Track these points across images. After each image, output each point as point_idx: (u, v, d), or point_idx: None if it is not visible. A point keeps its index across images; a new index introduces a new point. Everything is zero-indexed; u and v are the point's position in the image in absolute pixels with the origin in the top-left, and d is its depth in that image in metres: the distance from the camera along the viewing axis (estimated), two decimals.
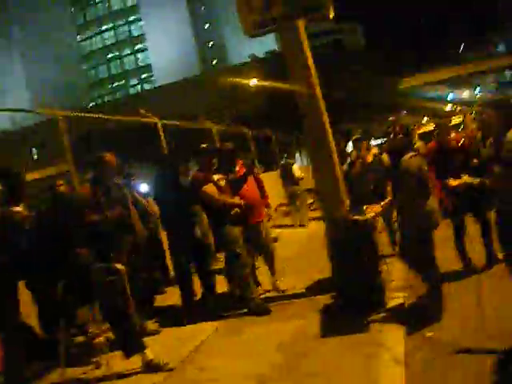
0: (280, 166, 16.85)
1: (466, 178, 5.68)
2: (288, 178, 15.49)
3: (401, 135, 6.07)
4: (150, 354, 5.58)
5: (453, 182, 6.13)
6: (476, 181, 5.28)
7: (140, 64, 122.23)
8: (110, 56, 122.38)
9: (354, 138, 9.46)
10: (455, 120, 13.68)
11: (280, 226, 15.00)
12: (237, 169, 7.81)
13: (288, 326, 6.28)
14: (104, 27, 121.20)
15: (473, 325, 5.55)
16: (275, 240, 8.16)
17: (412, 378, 4.60)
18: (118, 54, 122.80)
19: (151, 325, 7.12)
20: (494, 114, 4.56)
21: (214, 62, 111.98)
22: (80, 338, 6.77)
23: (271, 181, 15.21)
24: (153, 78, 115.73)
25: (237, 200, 7.37)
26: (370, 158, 9.39)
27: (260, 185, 8.19)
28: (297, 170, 15.38)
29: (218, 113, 35.17)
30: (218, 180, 7.42)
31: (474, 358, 4.82)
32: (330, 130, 7.17)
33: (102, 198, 6.10)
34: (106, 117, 12.52)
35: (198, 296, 7.93)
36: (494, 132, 4.66)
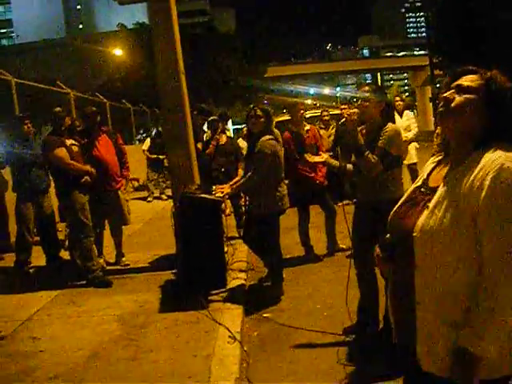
0: (154, 137, 16.65)
1: (326, 157, 5.82)
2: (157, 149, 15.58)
3: (262, 119, 6.11)
4: None
5: (311, 158, 6.26)
6: (336, 163, 5.42)
7: (0, 17, 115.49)
8: None
9: (210, 118, 9.51)
10: (311, 113, 14.11)
11: (134, 198, 14.91)
12: (98, 134, 7.65)
13: (128, 300, 6.21)
14: None
15: (307, 309, 5.83)
16: (129, 212, 8.05)
17: (247, 353, 4.74)
18: None
19: None
20: (375, 104, 4.65)
21: (81, 27, 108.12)
22: None
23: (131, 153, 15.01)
24: (13, 35, 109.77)
25: (88, 167, 7.17)
26: (223, 140, 9.51)
27: (122, 154, 8.08)
28: None
29: (77, 80, 33.94)
30: (70, 145, 7.19)
31: (306, 335, 5.11)
32: (188, 108, 7.17)
33: None
34: None
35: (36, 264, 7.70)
36: (371, 122, 4.75)
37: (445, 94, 2.13)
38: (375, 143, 4.64)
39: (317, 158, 6.19)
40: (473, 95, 2.06)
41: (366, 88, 4.75)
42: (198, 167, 7.16)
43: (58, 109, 7.43)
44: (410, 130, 10.44)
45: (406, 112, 10.82)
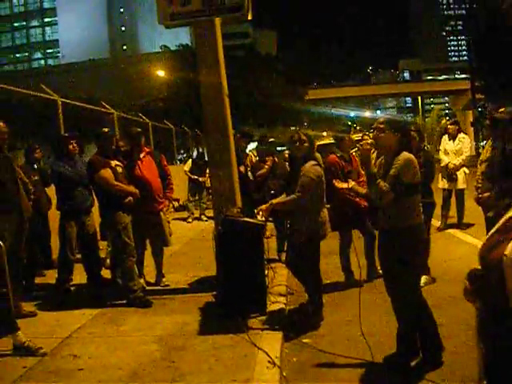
0: (195, 158, 16.87)
1: (353, 184, 5.87)
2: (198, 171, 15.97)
3: (306, 143, 6.12)
4: (22, 336, 5.38)
5: (339, 184, 6.30)
6: (362, 190, 5.46)
7: (47, 38, 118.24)
8: (16, 25, 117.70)
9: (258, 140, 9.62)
10: (355, 136, 14.07)
11: (174, 219, 14.98)
12: (142, 155, 7.76)
13: (168, 321, 6.23)
14: None
15: (347, 335, 5.76)
16: (170, 234, 8.12)
17: (286, 379, 4.70)
18: (25, 24, 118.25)
19: (28, 306, 6.87)
20: (390, 135, 4.72)
21: (125, 48, 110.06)
22: None
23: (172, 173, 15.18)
24: (58, 54, 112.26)
25: (132, 188, 7.26)
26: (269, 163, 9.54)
27: (166, 175, 8.17)
28: None
29: (120, 100, 34.46)
30: (115, 166, 7.29)
31: (345, 361, 5.05)
32: (231, 130, 7.22)
33: None
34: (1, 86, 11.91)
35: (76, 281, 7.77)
36: (386, 152, 4.81)
37: None
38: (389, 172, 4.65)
39: (344, 185, 6.22)
40: None
41: (381, 120, 4.83)
42: (240, 190, 7.19)
43: (105, 129, 7.55)
44: (461, 154, 10.32)
45: (460, 136, 10.70)
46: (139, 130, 8.05)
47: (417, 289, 4.84)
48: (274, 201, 6.33)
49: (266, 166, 9.36)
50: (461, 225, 10.88)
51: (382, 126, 4.73)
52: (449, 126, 11.17)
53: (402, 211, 4.67)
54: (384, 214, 4.78)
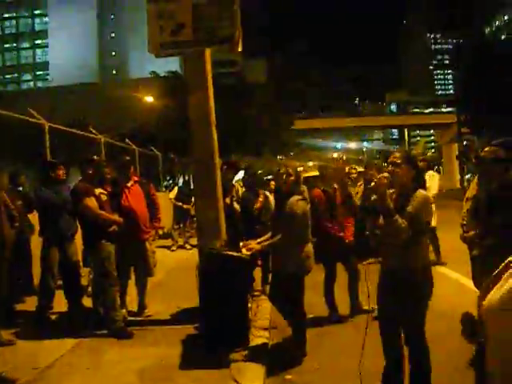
0: (182, 184, 16.85)
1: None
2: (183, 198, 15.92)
3: (292, 177, 6.13)
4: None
5: None
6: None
7: (38, 60, 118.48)
8: (7, 46, 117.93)
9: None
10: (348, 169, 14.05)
11: (158, 247, 14.84)
12: (130, 184, 7.73)
13: (149, 353, 6.15)
14: (6, 15, 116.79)
15: (330, 371, 5.69)
16: (155, 264, 8.07)
17: None
18: (15, 45, 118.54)
19: (6, 334, 6.77)
20: (406, 171, 4.65)
21: (114, 72, 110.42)
22: None
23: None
24: (48, 77, 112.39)
25: (116, 217, 7.22)
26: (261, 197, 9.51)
27: (154, 205, 8.14)
28: None
29: (108, 124, 34.38)
30: (99, 194, 7.23)
31: None
32: (219, 160, 7.21)
33: None
34: None
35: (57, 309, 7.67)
36: (401, 187, 4.73)
37: None
38: (404, 209, 4.58)
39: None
40: None
41: (398, 155, 4.73)
42: (225, 221, 7.15)
43: (94, 157, 7.50)
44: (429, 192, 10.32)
45: (430, 173, 10.70)
46: (128, 158, 8.03)
47: (424, 331, 4.74)
48: (262, 243, 6.31)
49: (261, 199, 9.32)
50: (439, 262, 10.82)
51: (398, 160, 4.66)
52: (418, 163, 11.13)
53: (417, 250, 4.60)
54: (394, 253, 4.65)
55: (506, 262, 2.26)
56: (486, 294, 2.14)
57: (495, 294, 1.98)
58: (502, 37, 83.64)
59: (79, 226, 7.63)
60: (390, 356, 4.81)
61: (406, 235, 4.46)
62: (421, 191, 4.65)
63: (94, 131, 14.83)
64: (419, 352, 4.69)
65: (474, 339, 2.28)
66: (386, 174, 4.61)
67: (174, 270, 11.84)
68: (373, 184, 4.71)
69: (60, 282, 8.01)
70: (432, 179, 10.53)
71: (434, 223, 10.26)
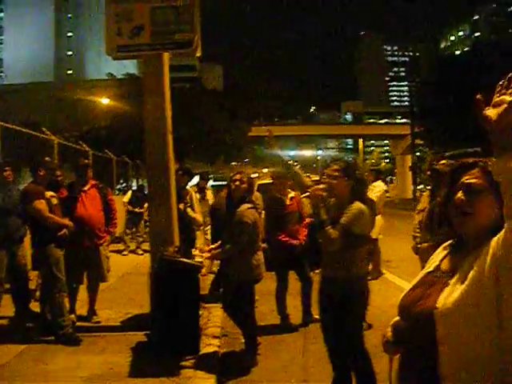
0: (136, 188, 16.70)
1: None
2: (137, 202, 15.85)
3: (244, 185, 6.10)
4: None
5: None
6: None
7: None
8: None
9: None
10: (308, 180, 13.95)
11: (110, 251, 14.63)
12: (87, 188, 7.61)
13: (98, 361, 6.01)
14: None
15: (281, 380, 5.68)
16: (108, 270, 7.95)
17: None
18: None
19: None
20: (343, 183, 4.65)
21: (70, 72, 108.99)
22: None
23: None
24: (1, 74, 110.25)
25: (66, 221, 7.09)
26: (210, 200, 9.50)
27: (111, 210, 8.02)
28: None
29: (62, 125, 33.82)
30: (50, 197, 7.09)
31: None
32: (174, 166, 7.15)
33: None
34: None
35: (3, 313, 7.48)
36: (337, 198, 4.74)
37: (457, 197, 2.13)
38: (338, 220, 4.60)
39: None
40: (484, 193, 2.08)
41: (335, 167, 4.71)
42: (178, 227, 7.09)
43: (47, 159, 7.35)
44: None
45: (375, 183, 10.67)
46: (86, 161, 7.90)
47: (361, 339, 4.78)
48: (213, 251, 6.29)
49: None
50: (370, 274, 10.68)
51: (335, 173, 4.64)
52: (365, 174, 11.04)
53: (350, 260, 4.62)
54: (330, 262, 4.70)
55: (423, 274, 2.30)
56: (419, 302, 2.16)
57: (449, 298, 2.01)
58: (457, 52, 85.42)
59: (28, 229, 7.46)
60: (336, 364, 4.83)
61: (337, 246, 4.50)
62: (357, 203, 4.64)
63: (47, 132, 14.55)
64: (360, 361, 4.74)
65: (398, 347, 2.29)
66: (320, 186, 4.65)
67: (126, 276, 11.71)
68: (307, 194, 4.76)
69: (8, 286, 7.82)
70: (372, 190, 10.42)
71: (375, 235, 10.17)
